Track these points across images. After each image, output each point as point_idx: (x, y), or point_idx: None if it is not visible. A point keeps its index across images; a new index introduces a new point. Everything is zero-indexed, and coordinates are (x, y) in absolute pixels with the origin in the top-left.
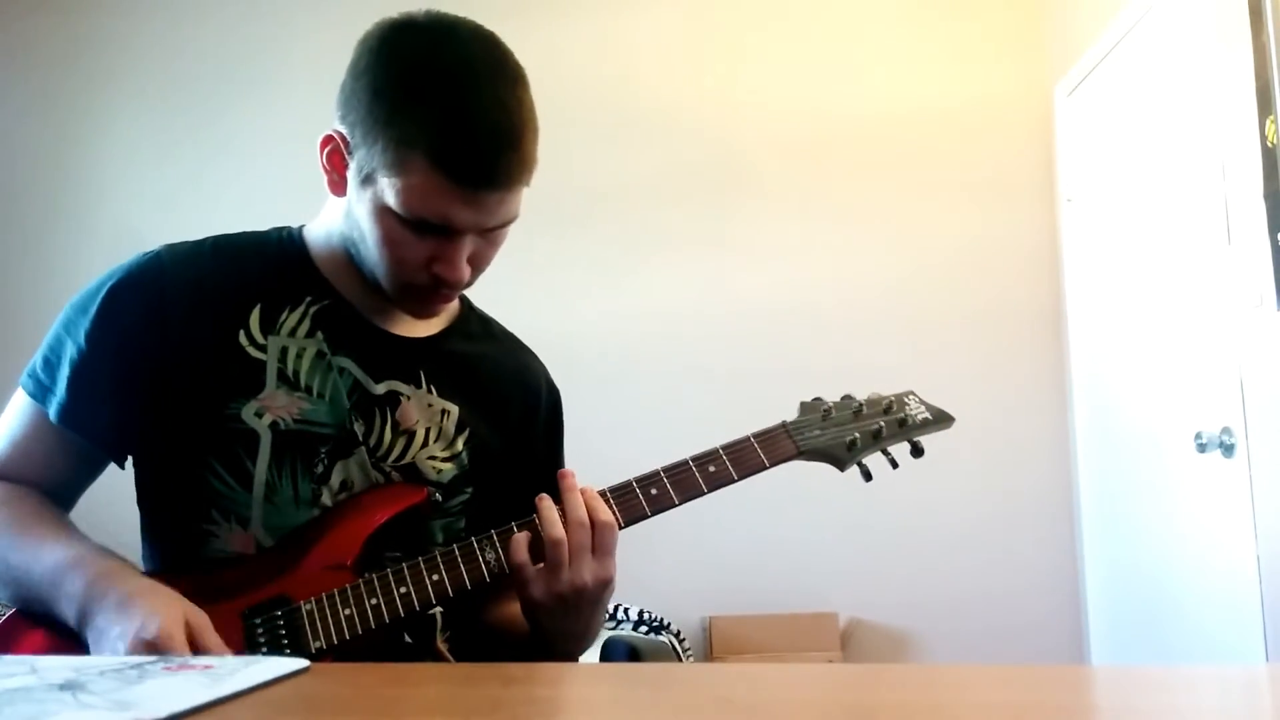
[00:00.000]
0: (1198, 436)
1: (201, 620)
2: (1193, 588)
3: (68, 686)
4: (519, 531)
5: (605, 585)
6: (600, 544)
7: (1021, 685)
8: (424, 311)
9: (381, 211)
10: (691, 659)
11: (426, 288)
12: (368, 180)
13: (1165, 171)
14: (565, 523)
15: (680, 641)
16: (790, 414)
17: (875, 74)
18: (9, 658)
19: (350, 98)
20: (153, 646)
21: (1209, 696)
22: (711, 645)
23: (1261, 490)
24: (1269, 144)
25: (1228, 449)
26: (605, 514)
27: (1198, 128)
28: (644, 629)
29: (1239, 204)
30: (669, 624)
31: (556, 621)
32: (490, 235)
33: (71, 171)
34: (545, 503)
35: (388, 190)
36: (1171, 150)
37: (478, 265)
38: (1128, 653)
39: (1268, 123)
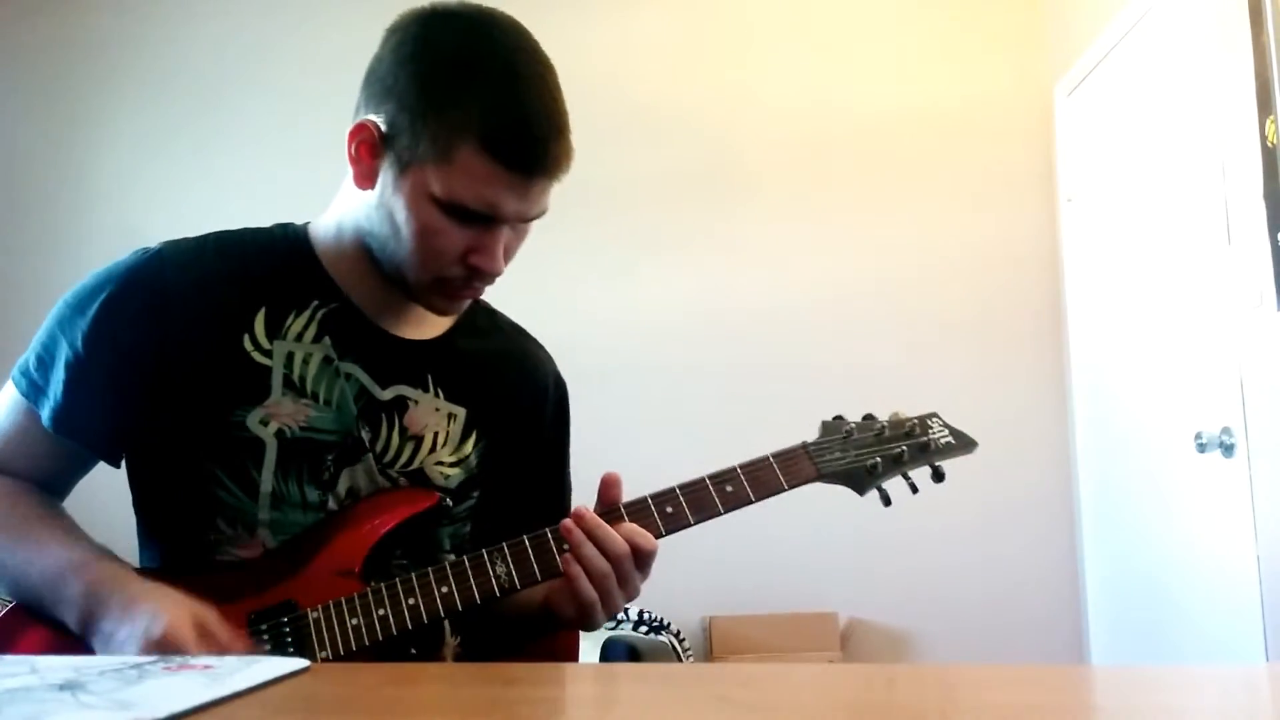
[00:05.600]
0: (1198, 436)
1: (209, 616)
2: (1193, 588)
3: (68, 686)
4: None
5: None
6: (643, 563)
7: (1021, 685)
8: (450, 307)
9: (423, 201)
10: (691, 659)
11: (458, 280)
12: (408, 169)
13: (1165, 171)
14: (606, 556)
15: (680, 641)
16: (790, 415)
17: (875, 74)
18: (9, 657)
19: (391, 86)
20: (162, 645)
21: (1209, 696)
22: (711, 645)
23: (1261, 490)
24: (1269, 144)
25: (1228, 449)
26: (650, 542)
27: (1198, 127)
28: (644, 629)
29: (1239, 204)
30: (669, 624)
31: (600, 619)
32: (522, 227)
33: (71, 170)
34: (574, 536)
35: (433, 178)
36: (1171, 150)
37: (507, 258)
38: (1128, 653)
39: (1268, 122)
